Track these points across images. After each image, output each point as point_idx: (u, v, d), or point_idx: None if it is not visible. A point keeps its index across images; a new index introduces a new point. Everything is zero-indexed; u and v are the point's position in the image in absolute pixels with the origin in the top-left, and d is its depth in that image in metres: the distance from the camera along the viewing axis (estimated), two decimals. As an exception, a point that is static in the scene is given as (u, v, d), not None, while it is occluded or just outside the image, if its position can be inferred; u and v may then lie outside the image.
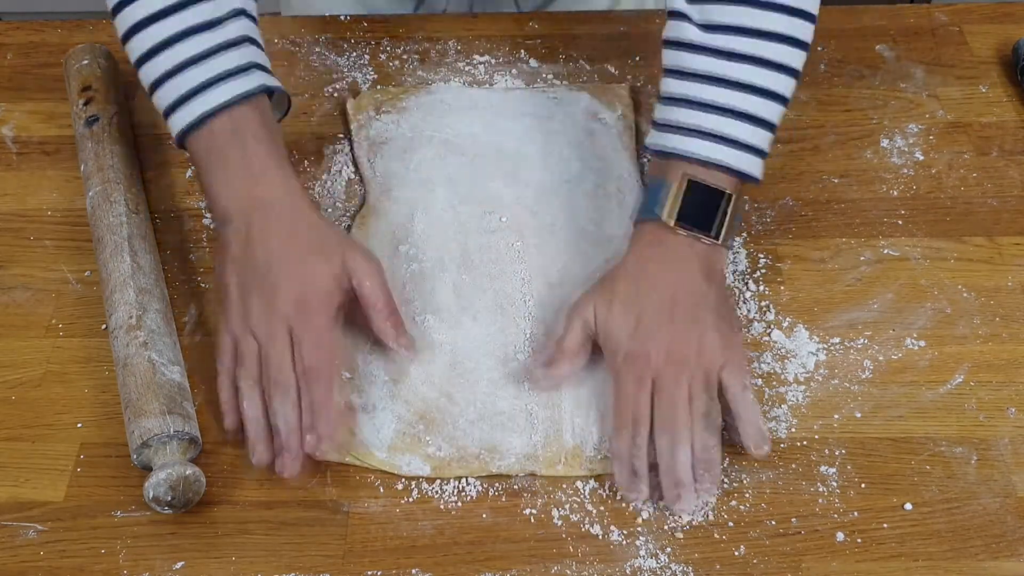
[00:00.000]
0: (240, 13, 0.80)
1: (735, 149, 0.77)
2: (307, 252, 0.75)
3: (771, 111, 0.78)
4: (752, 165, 0.78)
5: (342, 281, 0.75)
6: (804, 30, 0.78)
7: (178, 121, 0.78)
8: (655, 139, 0.80)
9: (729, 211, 0.77)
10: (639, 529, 0.71)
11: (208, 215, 0.88)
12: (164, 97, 0.78)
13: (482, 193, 0.90)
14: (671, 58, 0.80)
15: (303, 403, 0.73)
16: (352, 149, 0.95)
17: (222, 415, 0.75)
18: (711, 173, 0.77)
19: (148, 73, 0.79)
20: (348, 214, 0.90)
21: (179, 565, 0.70)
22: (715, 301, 0.76)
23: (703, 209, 0.77)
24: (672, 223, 0.77)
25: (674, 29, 0.79)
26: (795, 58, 0.78)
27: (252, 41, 0.80)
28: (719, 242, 0.77)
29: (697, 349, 0.73)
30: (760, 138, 0.78)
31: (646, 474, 0.72)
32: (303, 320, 0.73)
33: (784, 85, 0.78)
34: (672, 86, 0.79)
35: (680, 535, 0.71)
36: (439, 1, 1.11)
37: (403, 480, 0.74)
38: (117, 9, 0.79)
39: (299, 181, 0.79)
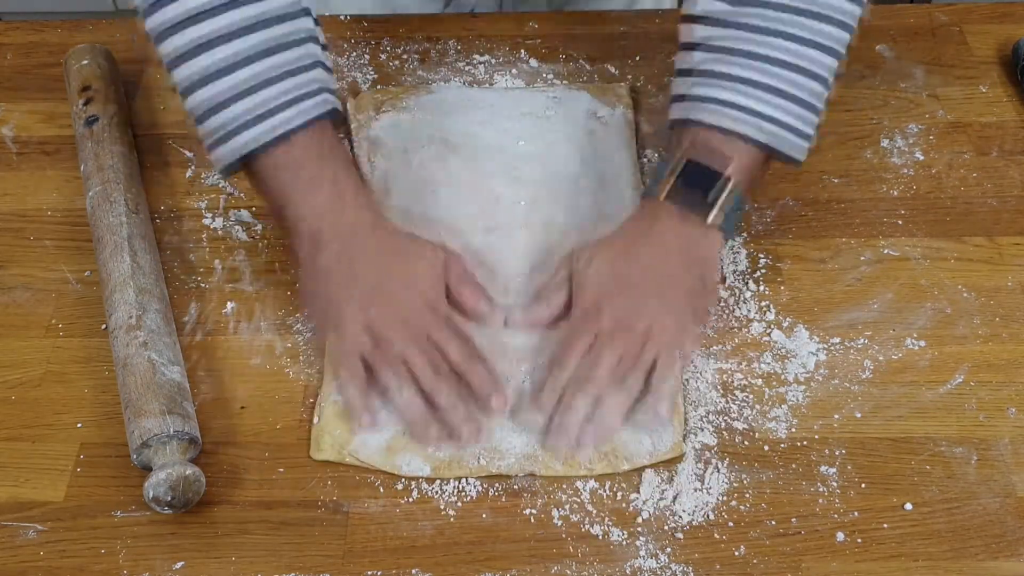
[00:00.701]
0: (311, 39, 0.80)
1: (748, 115, 0.77)
2: (411, 260, 0.79)
3: (799, 86, 0.78)
4: (770, 136, 0.77)
5: (442, 279, 0.79)
6: (848, 12, 0.78)
7: (251, 139, 0.77)
8: (671, 114, 0.82)
9: (724, 194, 0.77)
10: (639, 529, 0.71)
11: (280, 225, 0.83)
12: (232, 117, 0.77)
13: (482, 193, 0.90)
14: (688, 32, 0.80)
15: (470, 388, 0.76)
16: (352, 149, 0.95)
17: (357, 418, 0.75)
18: (715, 152, 0.78)
19: (207, 96, 0.77)
20: (348, 214, 0.90)
21: (179, 565, 0.70)
22: (689, 286, 0.77)
23: (696, 189, 0.78)
24: (662, 199, 0.78)
25: (699, 4, 0.80)
26: (831, 38, 0.78)
27: (321, 64, 0.81)
28: (708, 224, 0.77)
29: (647, 326, 0.75)
30: (784, 111, 0.77)
31: (549, 409, 0.74)
32: (434, 319, 0.77)
33: (819, 64, 0.78)
34: (687, 60, 0.80)
35: (680, 535, 0.71)
36: (467, 1, 1.11)
37: (403, 480, 0.74)
38: (165, 35, 0.76)
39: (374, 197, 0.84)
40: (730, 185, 0.78)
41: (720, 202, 0.78)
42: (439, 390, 0.74)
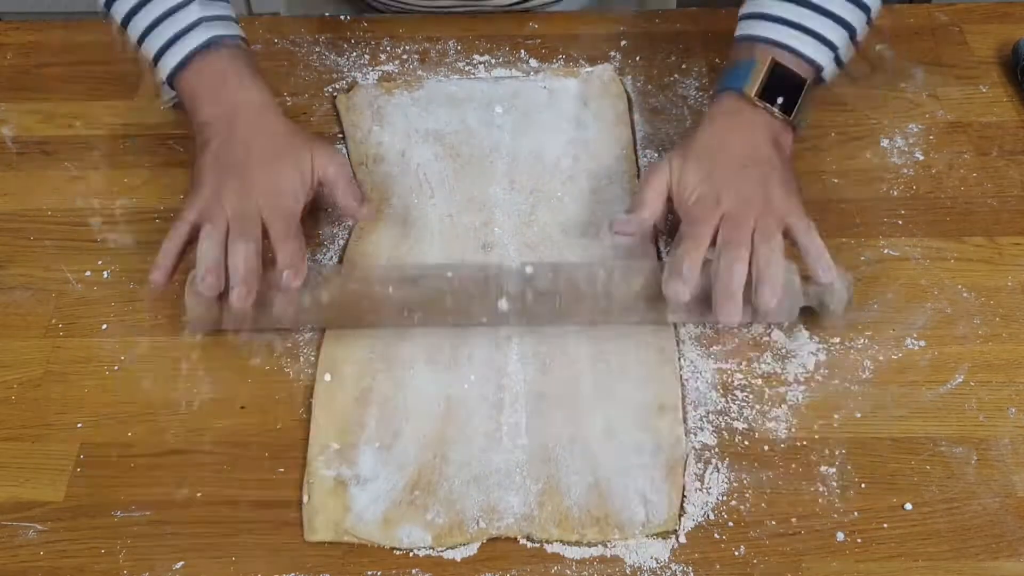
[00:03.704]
0: None
1: (815, 40, 0.86)
2: (281, 150, 0.84)
3: (855, 16, 0.87)
4: (827, 59, 0.86)
5: (308, 178, 0.84)
6: None
7: (169, 60, 0.87)
8: (744, 29, 0.88)
9: (802, 95, 0.85)
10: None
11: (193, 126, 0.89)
12: (152, 44, 0.87)
13: (479, 201, 0.90)
14: None
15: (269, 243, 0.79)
16: (348, 153, 0.95)
17: (155, 266, 0.79)
18: (792, 60, 0.86)
19: (134, 26, 0.88)
20: (348, 214, 0.90)
21: (179, 565, 0.70)
22: (781, 167, 0.83)
23: (783, 90, 0.85)
24: (754, 97, 0.85)
25: None
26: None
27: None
28: (791, 120, 0.85)
29: (764, 197, 0.80)
30: (837, 36, 0.86)
31: (693, 280, 0.76)
32: (274, 206, 0.81)
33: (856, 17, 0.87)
34: None
35: (680, 535, 0.71)
36: None
37: (403, 480, 0.74)
38: None
39: (271, 94, 0.88)
40: (806, 87, 0.86)
41: (800, 102, 0.85)
42: (237, 248, 0.77)
